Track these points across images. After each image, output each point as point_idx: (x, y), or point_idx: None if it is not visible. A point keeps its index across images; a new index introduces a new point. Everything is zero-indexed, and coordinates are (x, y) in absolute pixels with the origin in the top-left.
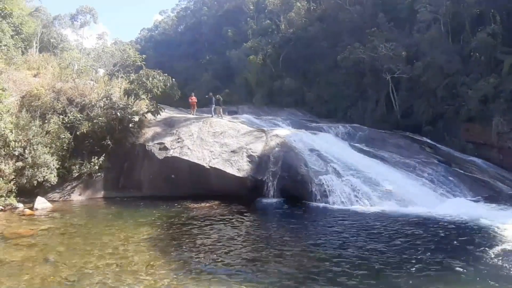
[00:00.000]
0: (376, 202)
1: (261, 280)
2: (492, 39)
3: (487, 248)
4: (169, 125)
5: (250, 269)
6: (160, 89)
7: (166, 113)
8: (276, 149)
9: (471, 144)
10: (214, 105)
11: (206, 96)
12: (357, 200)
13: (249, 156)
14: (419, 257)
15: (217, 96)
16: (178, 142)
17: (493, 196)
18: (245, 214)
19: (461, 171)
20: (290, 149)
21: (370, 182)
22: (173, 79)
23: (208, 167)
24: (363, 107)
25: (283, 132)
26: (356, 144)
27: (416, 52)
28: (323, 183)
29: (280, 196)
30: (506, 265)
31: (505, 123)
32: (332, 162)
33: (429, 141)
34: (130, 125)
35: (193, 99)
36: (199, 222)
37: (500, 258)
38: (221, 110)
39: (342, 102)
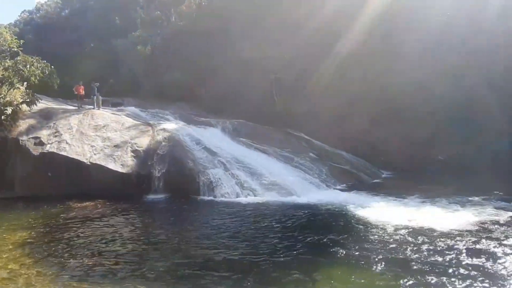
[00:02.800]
0: (260, 193)
1: (139, 279)
2: None
3: (352, 229)
4: (46, 117)
5: (128, 269)
6: (37, 77)
7: (43, 103)
8: (163, 143)
9: (341, 139)
10: (96, 96)
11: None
12: (242, 192)
13: (134, 151)
14: (294, 240)
15: (96, 84)
16: (56, 136)
17: (357, 184)
18: (129, 212)
19: (332, 163)
20: (177, 143)
21: (254, 175)
22: (52, 67)
23: (88, 163)
24: (251, 104)
25: (170, 126)
26: (242, 139)
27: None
28: (210, 177)
29: (167, 191)
30: (366, 245)
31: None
32: (219, 156)
33: (306, 136)
34: (2, 117)
35: (80, 89)
36: (79, 223)
37: (362, 237)
38: (100, 101)
39: (230, 98)
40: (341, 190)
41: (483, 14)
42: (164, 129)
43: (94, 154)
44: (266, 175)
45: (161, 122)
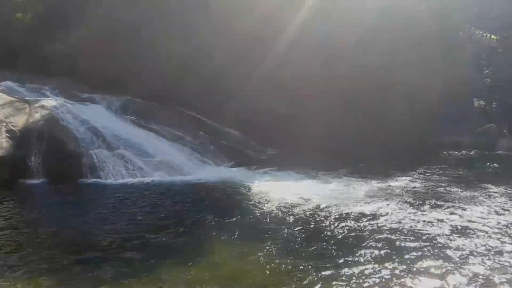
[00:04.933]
0: (148, 173)
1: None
2: None
3: (241, 203)
4: None
5: None
6: None
7: None
8: (42, 122)
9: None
10: None
11: None
12: (129, 173)
13: (9, 131)
14: (178, 219)
15: None
16: None
17: (244, 161)
18: (1, 200)
19: (221, 141)
20: (57, 122)
21: (142, 154)
22: None
23: None
24: (138, 80)
25: (50, 103)
26: (129, 117)
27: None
28: (93, 158)
29: (47, 175)
30: (250, 218)
31: None
32: (104, 135)
33: (197, 115)
34: None
35: None
36: None
37: (249, 210)
38: None
39: (118, 73)
40: (230, 167)
41: None
42: (42, 106)
43: None
44: (154, 154)
45: (40, 98)
